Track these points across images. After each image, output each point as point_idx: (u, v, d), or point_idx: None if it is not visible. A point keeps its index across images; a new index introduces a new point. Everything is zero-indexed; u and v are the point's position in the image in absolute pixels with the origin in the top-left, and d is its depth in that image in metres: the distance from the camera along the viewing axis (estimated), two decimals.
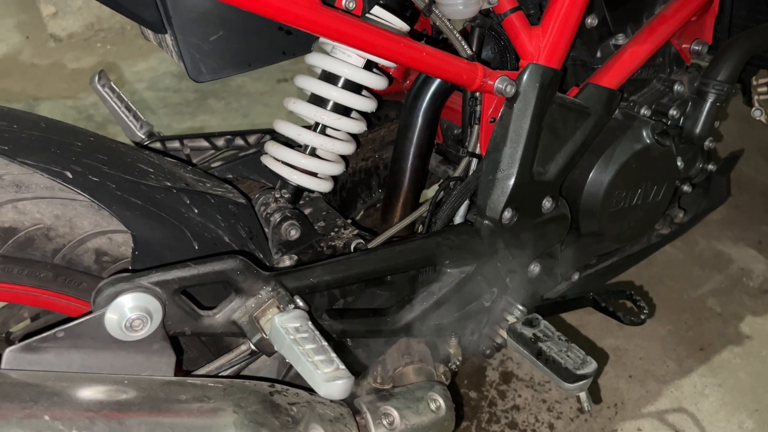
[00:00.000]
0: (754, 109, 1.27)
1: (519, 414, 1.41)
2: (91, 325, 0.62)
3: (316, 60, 0.91)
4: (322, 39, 0.89)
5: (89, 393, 0.58)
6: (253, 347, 0.72)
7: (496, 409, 1.42)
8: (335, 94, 0.91)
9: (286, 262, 0.87)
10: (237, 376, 0.78)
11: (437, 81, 1.01)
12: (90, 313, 0.63)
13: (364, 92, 0.95)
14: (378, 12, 0.86)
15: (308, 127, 0.94)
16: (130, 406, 0.58)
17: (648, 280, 1.71)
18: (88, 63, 2.85)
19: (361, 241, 0.93)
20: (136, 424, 0.56)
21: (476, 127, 0.94)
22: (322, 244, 0.93)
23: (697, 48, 1.15)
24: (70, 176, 0.70)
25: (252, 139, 1.08)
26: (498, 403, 1.44)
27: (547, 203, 0.96)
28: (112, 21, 3.03)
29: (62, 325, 0.62)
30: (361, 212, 1.23)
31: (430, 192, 1.11)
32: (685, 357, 1.52)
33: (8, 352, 0.59)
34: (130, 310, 0.63)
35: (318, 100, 0.93)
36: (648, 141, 1.01)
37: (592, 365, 0.89)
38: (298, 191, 0.96)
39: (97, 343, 0.63)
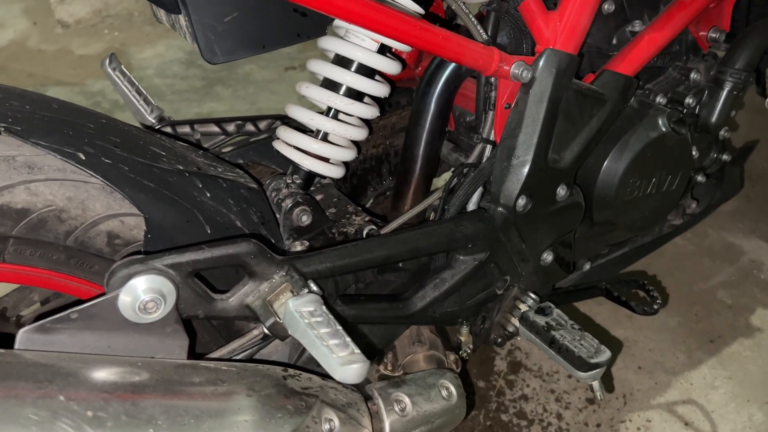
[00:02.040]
0: None
1: (527, 404, 1.41)
2: (105, 306, 0.62)
3: (330, 44, 0.90)
4: (335, 23, 0.88)
5: (103, 374, 0.57)
6: (266, 331, 0.72)
7: (505, 398, 1.42)
8: (348, 78, 0.90)
9: (298, 247, 0.87)
10: (249, 360, 0.78)
11: (450, 67, 1.00)
12: (104, 294, 0.63)
13: (377, 77, 0.94)
14: None
15: (320, 112, 0.93)
16: (144, 388, 0.58)
17: (658, 272, 1.70)
18: (96, 49, 2.85)
19: (374, 227, 0.92)
20: (150, 406, 0.56)
21: (491, 112, 0.93)
22: (333, 231, 0.93)
23: (714, 36, 1.14)
24: (83, 158, 0.69)
25: (263, 124, 1.07)
26: (506, 392, 1.43)
27: (561, 191, 0.95)
28: (119, 7, 3.02)
29: (76, 307, 0.61)
30: (371, 200, 1.22)
31: (440, 181, 1.11)
32: (695, 349, 1.51)
33: (22, 332, 0.59)
34: (144, 292, 0.63)
35: (331, 85, 0.92)
36: (664, 129, 1.00)
37: (605, 354, 0.89)
38: (310, 177, 0.95)
39: (110, 324, 0.62)
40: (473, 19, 0.89)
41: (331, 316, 0.67)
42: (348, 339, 0.64)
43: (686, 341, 1.53)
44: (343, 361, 0.62)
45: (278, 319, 0.69)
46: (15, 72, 2.70)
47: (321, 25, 0.82)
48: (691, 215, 1.31)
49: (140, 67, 2.69)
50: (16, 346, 0.59)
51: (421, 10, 0.89)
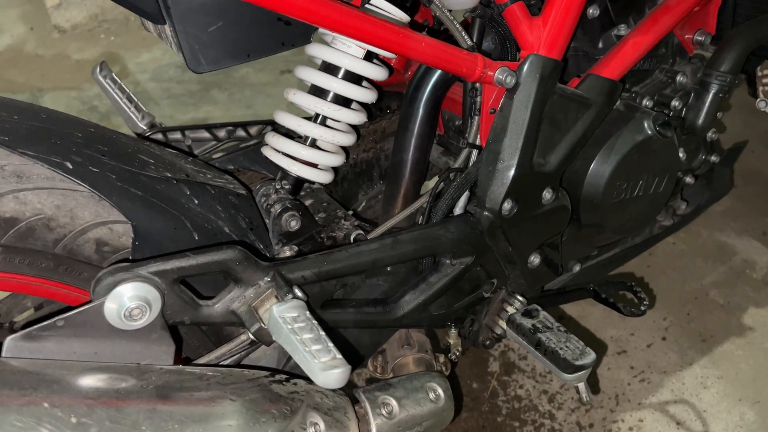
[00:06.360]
0: (759, 100, 1.26)
1: (520, 404, 1.42)
2: (91, 314, 0.63)
3: (316, 51, 0.91)
4: (321, 30, 0.88)
5: (88, 381, 0.58)
6: (252, 337, 0.72)
7: (498, 399, 1.43)
8: (335, 85, 0.91)
9: (287, 252, 0.88)
10: (237, 365, 0.78)
11: (438, 72, 1.01)
12: (90, 302, 0.64)
13: (364, 83, 0.95)
14: (378, 2, 0.86)
15: (309, 118, 0.94)
16: (129, 394, 0.59)
17: (650, 272, 1.70)
18: (92, 54, 2.86)
19: (361, 232, 0.93)
20: (134, 412, 0.57)
21: (476, 118, 0.94)
22: (322, 235, 0.94)
23: (700, 38, 1.14)
24: (71, 167, 0.70)
25: (253, 130, 1.08)
26: (499, 393, 1.44)
27: (547, 194, 0.96)
28: (115, 12, 3.03)
29: (62, 314, 0.62)
30: (363, 204, 1.23)
31: (430, 183, 1.11)
32: (687, 348, 1.52)
33: (9, 340, 0.60)
34: (129, 300, 0.64)
35: (318, 91, 0.93)
36: (650, 132, 1.01)
37: (590, 356, 0.89)
38: (299, 182, 0.96)
39: (96, 331, 0.63)
40: (458, 26, 0.90)
41: (315, 322, 0.68)
42: (330, 344, 0.65)
43: (678, 341, 1.54)
44: (324, 366, 0.63)
45: (263, 325, 0.70)
46: (12, 77, 2.72)
47: (305, 34, 0.83)
48: (681, 216, 1.32)
49: (136, 72, 2.70)
50: (3, 353, 0.60)
51: (407, 18, 0.90)
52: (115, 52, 2.85)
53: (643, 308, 1.06)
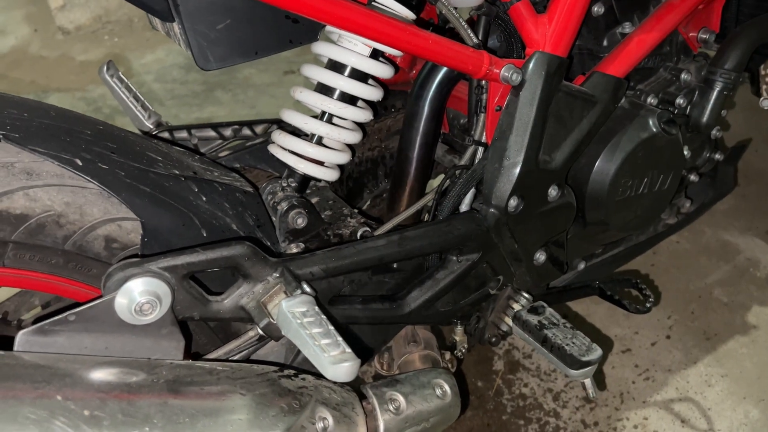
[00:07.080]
0: (762, 98, 1.26)
1: (525, 403, 1.42)
2: (102, 308, 0.63)
3: (323, 49, 0.92)
4: (328, 28, 0.89)
5: (100, 375, 0.59)
6: (260, 332, 0.73)
7: (502, 398, 1.43)
8: (341, 83, 0.92)
9: (293, 250, 0.88)
10: (245, 360, 0.79)
11: (443, 70, 1.01)
12: (100, 297, 0.64)
13: (370, 81, 0.95)
14: (384, 0, 0.87)
15: (315, 116, 0.95)
16: (140, 388, 0.59)
17: (654, 271, 1.71)
18: (96, 55, 2.87)
19: (368, 229, 0.93)
20: (145, 406, 0.57)
21: (482, 115, 0.94)
22: (328, 233, 0.94)
23: (704, 36, 1.15)
24: (80, 164, 0.71)
25: (259, 128, 1.09)
26: (504, 392, 1.45)
27: (552, 191, 0.97)
28: (119, 13, 3.04)
29: (74, 309, 0.63)
30: (368, 202, 1.23)
31: (435, 182, 1.12)
32: (692, 347, 1.52)
33: (21, 334, 0.60)
34: (140, 294, 0.64)
35: (324, 89, 0.93)
36: (654, 130, 1.01)
37: (597, 352, 0.90)
38: (305, 180, 0.96)
39: (107, 326, 0.64)
40: (463, 24, 0.90)
41: (323, 317, 0.68)
42: (339, 338, 0.65)
43: (683, 339, 1.54)
44: (334, 360, 0.63)
45: (272, 320, 0.71)
46: (17, 78, 2.73)
47: (313, 31, 0.84)
48: (685, 214, 1.32)
49: (141, 73, 2.71)
50: (15, 348, 0.60)
51: (412, 15, 0.90)
52: (119, 53, 2.86)
53: (648, 305, 1.06)
